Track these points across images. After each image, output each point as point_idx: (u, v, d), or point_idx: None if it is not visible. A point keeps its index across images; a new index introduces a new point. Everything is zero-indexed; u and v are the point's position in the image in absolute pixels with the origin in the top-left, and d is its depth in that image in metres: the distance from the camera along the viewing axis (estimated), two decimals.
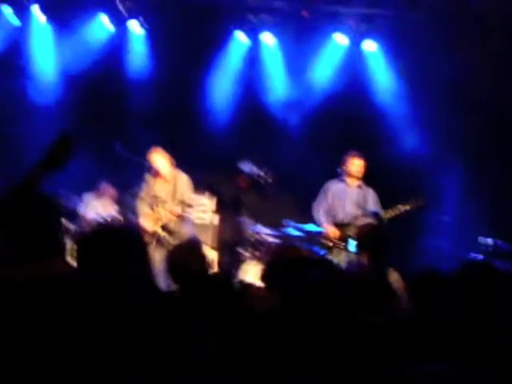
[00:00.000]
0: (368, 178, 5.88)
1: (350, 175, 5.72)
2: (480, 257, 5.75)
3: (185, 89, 7.37)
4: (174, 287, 3.29)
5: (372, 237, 3.90)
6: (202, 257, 3.37)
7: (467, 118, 6.84)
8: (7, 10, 7.19)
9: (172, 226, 5.53)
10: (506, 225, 6.21)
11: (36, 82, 7.31)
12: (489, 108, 6.90)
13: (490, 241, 5.83)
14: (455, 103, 6.89)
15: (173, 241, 5.41)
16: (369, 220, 5.48)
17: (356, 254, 5.36)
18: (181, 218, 5.56)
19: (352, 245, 5.23)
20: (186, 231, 5.61)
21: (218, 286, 2.70)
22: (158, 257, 5.38)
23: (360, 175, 5.72)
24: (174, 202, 5.56)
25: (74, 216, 6.93)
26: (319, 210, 5.79)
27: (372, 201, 5.69)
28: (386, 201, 5.85)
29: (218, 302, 2.78)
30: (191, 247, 3.40)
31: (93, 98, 7.35)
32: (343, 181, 5.77)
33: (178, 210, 5.46)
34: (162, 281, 5.08)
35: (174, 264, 3.29)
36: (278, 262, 3.12)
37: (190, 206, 5.56)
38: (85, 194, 7.33)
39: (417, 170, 6.90)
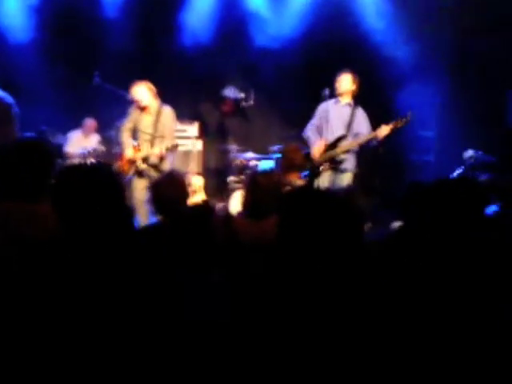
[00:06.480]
0: (358, 99, 5.81)
1: (339, 93, 5.63)
2: (461, 170, 5.83)
3: (160, 12, 7.14)
4: (158, 217, 3.36)
5: None
6: (184, 188, 3.44)
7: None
8: None
9: (152, 159, 5.45)
10: (488, 137, 6.27)
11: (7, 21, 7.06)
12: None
13: (471, 153, 5.88)
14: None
15: (153, 173, 5.36)
16: (356, 140, 5.49)
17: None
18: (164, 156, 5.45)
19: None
20: (166, 165, 5.47)
21: (200, 216, 2.73)
22: (138, 187, 5.42)
23: (349, 91, 5.61)
24: (156, 134, 5.50)
25: (60, 154, 6.95)
26: (308, 131, 5.75)
27: (361, 119, 5.63)
28: (375, 121, 5.82)
29: (199, 233, 2.87)
30: (173, 179, 3.45)
31: (66, 35, 7.12)
32: (334, 100, 5.70)
33: (162, 150, 5.36)
34: (143, 210, 5.16)
35: (156, 196, 3.35)
36: (259, 189, 3.16)
37: (174, 146, 5.46)
38: (71, 131, 7.32)
39: (402, 86, 6.85)
